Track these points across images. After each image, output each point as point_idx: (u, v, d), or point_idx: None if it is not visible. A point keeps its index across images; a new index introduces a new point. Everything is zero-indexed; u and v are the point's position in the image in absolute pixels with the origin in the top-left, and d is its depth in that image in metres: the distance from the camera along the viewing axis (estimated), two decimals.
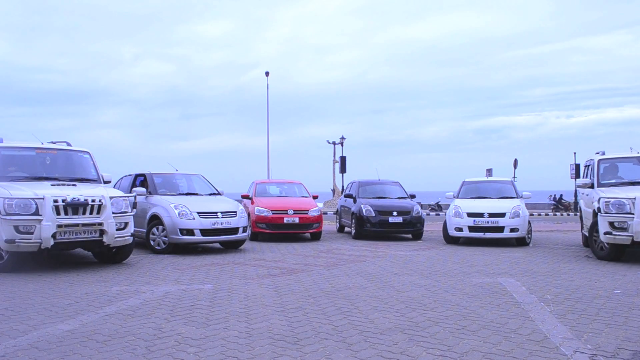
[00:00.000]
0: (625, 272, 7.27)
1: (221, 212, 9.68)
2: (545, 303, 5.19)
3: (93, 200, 7.18)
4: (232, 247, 10.41)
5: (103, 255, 8.08)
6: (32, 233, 6.73)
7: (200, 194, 10.61)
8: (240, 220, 9.93)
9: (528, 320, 4.50)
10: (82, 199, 7.09)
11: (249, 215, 12.04)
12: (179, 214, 9.34)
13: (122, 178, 11.76)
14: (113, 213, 7.38)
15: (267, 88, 30.49)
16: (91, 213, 7.19)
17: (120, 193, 7.90)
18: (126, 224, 7.66)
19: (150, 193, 10.23)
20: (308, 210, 12.36)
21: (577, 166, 33.80)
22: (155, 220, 9.62)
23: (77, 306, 5.01)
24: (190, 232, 9.30)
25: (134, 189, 9.94)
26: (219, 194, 10.98)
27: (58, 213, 6.88)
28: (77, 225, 7.05)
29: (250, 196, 13.01)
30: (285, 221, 12.02)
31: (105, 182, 8.52)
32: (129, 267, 7.65)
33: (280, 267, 7.82)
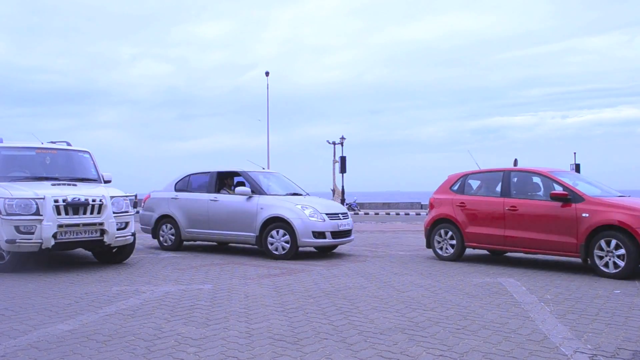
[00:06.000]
0: None
1: (341, 213, 9.20)
2: (545, 303, 5.19)
3: (94, 200, 7.18)
4: (326, 250, 9.52)
5: (103, 255, 8.07)
6: (32, 233, 6.72)
7: (300, 194, 9.75)
8: (351, 222, 9.45)
9: (528, 320, 4.50)
10: (82, 199, 7.08)
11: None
12: (309, 215, 8.65)
13: (189, 176, 10.18)
14: (114, 213, 7.37)
15: (267, 88, 30.52)
16: (92, 213, 7.18)
17: (121, 192, 7.88)
18: (127, 223, 7.64)
19: (253, 192, 9.18)
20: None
21: (577, 166, 33.89)
22: (275, 222, 8.72)
23: (77, 306, 5.01)
24: (321, 234, 8.65)
25: (237, 188, 9.34)
26: (307, 194, 9.96)
27: (59, 213, 6.87)
28: (77, 225, 7.04)
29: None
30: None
31: (106, 182, 8.48)
32: (129, 267, 7.65)
33: (280, 267, 7.82)
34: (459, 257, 8.53)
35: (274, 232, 8.75)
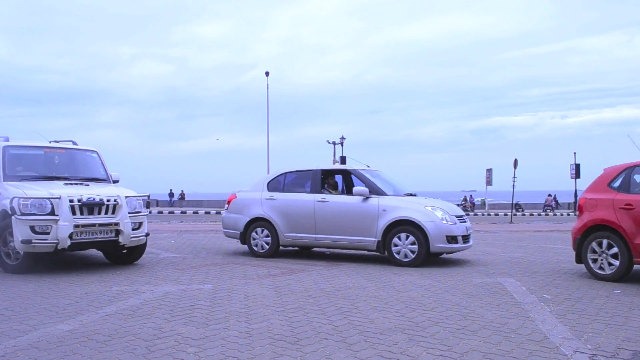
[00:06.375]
0: None
1: (464, 216, 8.54)
2: (545, 303, 5.19)
3: (108, 200, 7.13)
4: (437, 256, 8.50)
5: (115, 255, 8.00)
6: (48, 233, 6.66)
7: (414, 194, 8.88)
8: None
9: (528, 320, 4.50)
10: (97, 199, 7.03)
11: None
12: (441, 218, 7.84)
13: (284, 174, 9.20)
14: (128, 213, 7.35)
15: (267, 88, 30.55)
16: (106, 213, 7.13)
17: (134, 193, 7.81)
18: (140, 223, 7.59)
19: (371, 193, 8.27)
20: None
21: (577, 166, 33.93)
22: (399, 226, 7.90)
23: (77, 306, 5.01)
24: (454, 239, 7.86)
25: (355, 188, 8.47)
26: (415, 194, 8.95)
27: (74, 213, 6.82)
28: (94, 225, 6.99)
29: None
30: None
31: (114, 182, 8.40)
32: (129, 267, 7.64)
33: (280, 267, 7.82)
34: (624, 275, 6.42)
35: (399, 237, 7.91)
